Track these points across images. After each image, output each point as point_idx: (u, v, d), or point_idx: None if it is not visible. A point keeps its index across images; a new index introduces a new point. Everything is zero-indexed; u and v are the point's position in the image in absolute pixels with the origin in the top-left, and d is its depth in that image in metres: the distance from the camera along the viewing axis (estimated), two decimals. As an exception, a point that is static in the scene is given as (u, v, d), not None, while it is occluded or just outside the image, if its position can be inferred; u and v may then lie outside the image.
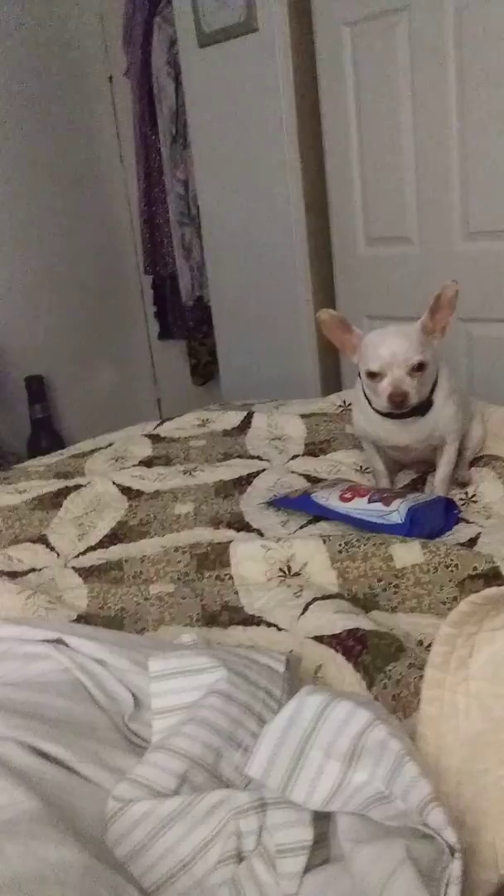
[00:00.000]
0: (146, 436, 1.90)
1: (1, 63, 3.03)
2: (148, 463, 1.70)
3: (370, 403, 1.41)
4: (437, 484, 1.46)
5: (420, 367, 1.31)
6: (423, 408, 1.38)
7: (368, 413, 1.43)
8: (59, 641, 0.91)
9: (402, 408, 1.32)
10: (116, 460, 1.75)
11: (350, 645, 0.96)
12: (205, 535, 1.35)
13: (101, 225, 3.49)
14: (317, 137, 2.47)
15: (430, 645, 0.99)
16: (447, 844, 0.53)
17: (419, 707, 0.66)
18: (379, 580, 1.13)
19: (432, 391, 1.39)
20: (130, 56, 3.16)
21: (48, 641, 0.92)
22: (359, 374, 1.44)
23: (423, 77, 2.14)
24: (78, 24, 3.26)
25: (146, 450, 1.79)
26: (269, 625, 1.05)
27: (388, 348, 1.30)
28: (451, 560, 1.12)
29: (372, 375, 1.32)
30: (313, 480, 1.55)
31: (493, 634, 0.62)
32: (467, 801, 0.59)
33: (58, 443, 3.12)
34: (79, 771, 0.73)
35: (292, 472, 1.59)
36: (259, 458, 1.69)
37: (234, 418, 1.93)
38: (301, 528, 1.35)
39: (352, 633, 0.97)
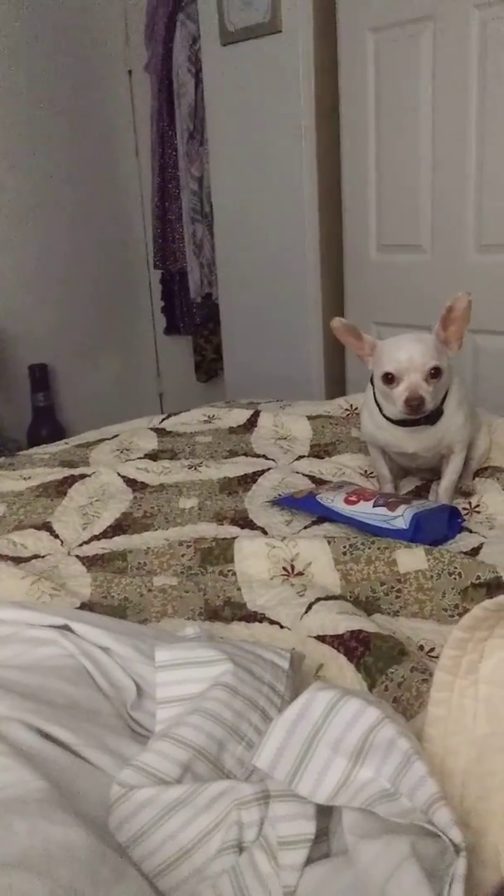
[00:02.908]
0: (152, 429, 1.91)
1: (21, 52, 3.04)
2: (153, 456, 1.71)
3: (381, 410, 1.42)
4: (442, 492, 1.47)
5: (436, 373, 1.32)
6: (433, 416, 1.39)
7: (378, 419, 1.44)
8: (64, 628, 0.92)
9: (418, 413, 1.33)
10: (121, 452, 1.76)
11: (352, 646, 0.96)
12: (208, 530, 1.36)
13: (113, 217, 3.49)
14: (334, 141, 2.49)
15: (431, 650, 1.00)
16: (452, 843, 0.54)
17: (426, 708, 0.66)
18: (382, 584, 1.14)
19: (443, 400, 1.40)
20: (151, 51, 3.17)
21: (54, 627, 0.92)
22: (370, 381, 1.45)
23: (444, 87, 2.15)
24: (100, 17, 3.27)
25: (152, 443, 1.80)
26: (272, 622, 1.06)
27: (405, 352, 1.32)
28: (455, 568, 1.13)
29: (388, 381, 1.33)
30: (318, 482, 1.56)
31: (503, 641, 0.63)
32: (472, 802, 0.60)
33: (59, 432, 3.13)
34: (83, 755, 0.74)
35: (297, 472, 1.60)
36: (264, 456, 1.70)
37: (240, 416, 1.94)
38: (305, 528, 1.36)
39: (354, 634, 0.98)
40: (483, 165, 2.13)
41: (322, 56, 2.41)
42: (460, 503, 1.47)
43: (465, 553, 1.23)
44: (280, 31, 2.43)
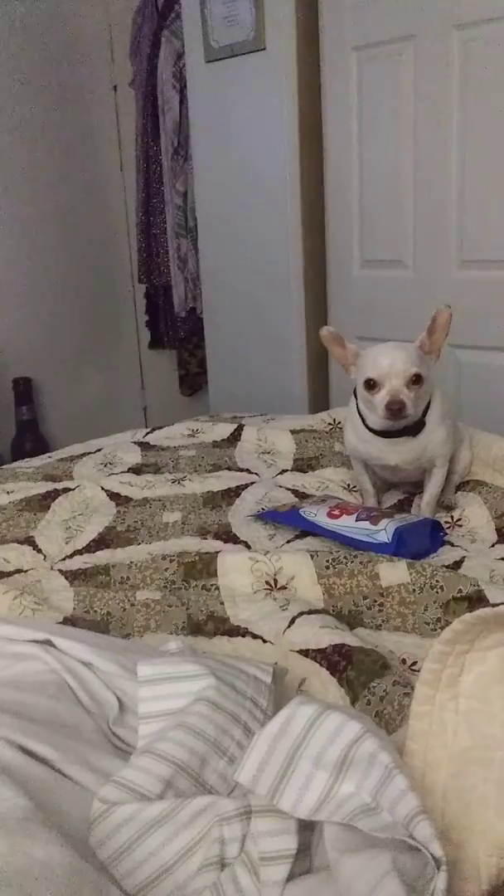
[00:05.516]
0: (136, 443, 1.90)
1: (6, 67, 3.05)
2: (137, 470, 1.71)
3: (364, 421, 1.43)
4: (424, 506, 1.48)
5: (417, 380, 1.34)
6: (416, 428, 1.40)
7: (361, 431, 1.45)
8: (46, 642, 0.92)
9: (399, 418, 1.34)
10: (105, 465, 1.75)
11: (335, 660, 0.97)
12: (192, 544, 1.35)
13: (98, 231, 3.50)
14: (318, 158, 2.50)
15: (413, 664, 1.00)
16: (433, 857, 0.54)
17: (407, 722, 0.67)
18: (364, 598, 1.14)
19: (425, 413, 1.41)
20: (136, 67, 3.18)
21: (36, 642, 0.92)
22: (353, 393, 1.46)
23: (425, 105, 2.17)
24: (85, 32, 3.28)
25: (135, 457, 1.80)
26: (255, 636, 1.06)
27: (387, 358, 1.34)
28: (437, 581, 1.14)
29: (370, 387, 1.35)
30: (301, 496, 1.56)
31: (484, 654, 0.63)
32: (452, 815, 0.60)
33: (43, 446, 3.12)
34: (65, 771, 0.73)
35: (281, 486, 1.60)
36: (248, 470, 1.70)
37: (224, 430, 1.94)
38: (288, 542, 1.36)
39: (337, 648, 0.98)
40: (464, 182, 2.15)
41: (305, 73, 2.43)
42: (442, 517, 1.47)
43: (447, 566, 1.24)
44: (264, 49, 2.45)
